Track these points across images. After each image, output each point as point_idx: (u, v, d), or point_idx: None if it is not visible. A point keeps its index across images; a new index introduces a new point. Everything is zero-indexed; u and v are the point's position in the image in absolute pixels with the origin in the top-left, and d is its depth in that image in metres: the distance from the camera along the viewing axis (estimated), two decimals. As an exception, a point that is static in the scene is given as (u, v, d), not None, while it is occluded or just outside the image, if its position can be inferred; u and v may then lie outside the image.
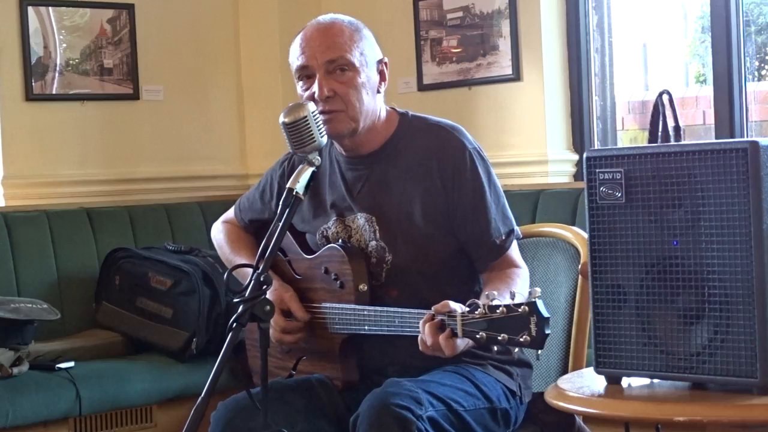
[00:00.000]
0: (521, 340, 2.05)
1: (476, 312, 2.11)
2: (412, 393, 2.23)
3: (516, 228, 2.52)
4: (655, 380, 2.09)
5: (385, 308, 2.38)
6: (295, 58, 2.47)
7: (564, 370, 2.63)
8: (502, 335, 2.07)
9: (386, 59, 2.54)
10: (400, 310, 2.34)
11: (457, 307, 2.16)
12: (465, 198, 2.45)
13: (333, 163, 2.59)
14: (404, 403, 2.20)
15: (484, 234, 2.46)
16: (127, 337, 4.11)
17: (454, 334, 2.15)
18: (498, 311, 2.08)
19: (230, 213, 2.86)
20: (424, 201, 2.46)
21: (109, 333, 4.13)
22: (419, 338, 2.22)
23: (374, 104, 2.49)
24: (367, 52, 2.47)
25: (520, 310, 2.05)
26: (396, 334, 2.34)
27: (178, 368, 3.93)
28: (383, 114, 2.54)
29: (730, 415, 1.94)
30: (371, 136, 2.52)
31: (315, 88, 2.42)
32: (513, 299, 2.09)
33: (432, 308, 2.20)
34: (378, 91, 2.51)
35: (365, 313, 2.41)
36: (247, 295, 2.13)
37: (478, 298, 2.16)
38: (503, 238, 2.47)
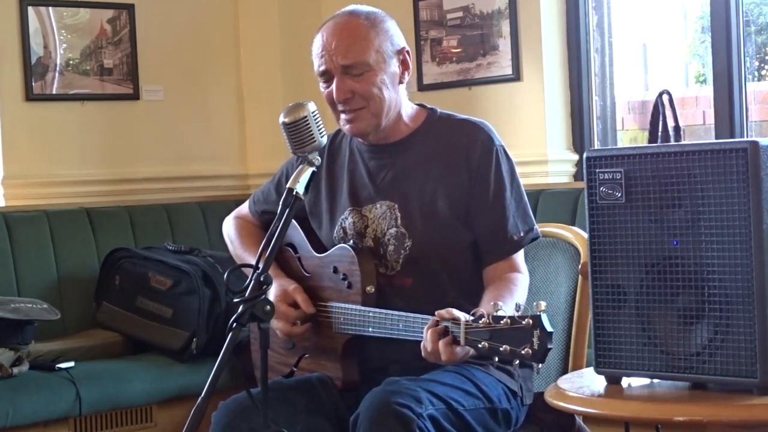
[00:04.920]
0: (522, 352, 2.05)
1: (480, 321, 2.12)
2: (412, 391, 2.23)
3: (536, 228, 2.53)
4: (655, 380, 2.09)
5: (390, 311, 2.38)
6: (314, 59, 2.49)
7: (564, 370, 2.63)
8: (504, 346, 2.07)
9: (407, 48, 2.54)
10: (404, 314, 2.34)
11: (461, 315, 2.17)
12: (485, 192, 2.46)
13: (354, 154, 2.60)
14: (404, 401, 2.19)
15: (499, 229, 2.47)
16: (127, 337, 4.11)
17: (456, 341, 2.15)
18: (502, 322, 2.08)
19: (243, 208, 2.87)
20: (448, 190, 2.47)
21: (109, 333, 4.13)
22: (422, 344, 2.22)
23: (396, 96, 2.50)
24: (384, 47, 2.47)
25: (524, 322, 2.06)
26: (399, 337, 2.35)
27: (178, 368, 3.93)
28: (409, 106, 2.56)
29: (730, 415, 1.94)
30: (396, 127, 2.53)
31: (333, 90, 2.45)
32: (518, 311, 2.09)
33: (435, 313, 2.21)
34: (401, 81, 2.52)
35: (370, 314, 2.41)
36: (247, 295, 2.13)
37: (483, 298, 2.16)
38: (521, 235, 2.48)
